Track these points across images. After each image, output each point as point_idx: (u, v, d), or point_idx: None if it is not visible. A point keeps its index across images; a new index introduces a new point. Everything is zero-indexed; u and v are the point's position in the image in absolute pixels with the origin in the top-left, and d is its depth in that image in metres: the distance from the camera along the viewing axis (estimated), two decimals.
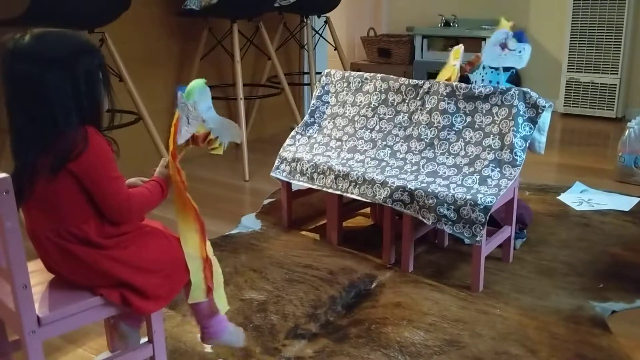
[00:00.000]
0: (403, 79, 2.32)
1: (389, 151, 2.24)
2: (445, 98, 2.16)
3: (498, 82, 2.22)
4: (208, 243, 1.43)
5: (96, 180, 1.24)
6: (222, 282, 1.46)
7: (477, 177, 2.01)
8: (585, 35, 4.38)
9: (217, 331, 1.52)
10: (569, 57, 4.48)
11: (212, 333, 1.52)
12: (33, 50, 1.21)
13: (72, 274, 1.29)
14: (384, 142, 2.28)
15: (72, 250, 1.26)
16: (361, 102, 2.41)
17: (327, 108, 2.51)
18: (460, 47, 2.32)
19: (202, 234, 1.41)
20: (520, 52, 2.09)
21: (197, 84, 1.35)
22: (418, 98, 2.25)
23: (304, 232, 2.48)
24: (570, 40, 4.45)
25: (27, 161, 1.20)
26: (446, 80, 2.28)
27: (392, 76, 2.37)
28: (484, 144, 2.07)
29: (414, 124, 2.24)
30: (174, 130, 1.35)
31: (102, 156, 1.25)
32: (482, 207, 1.88)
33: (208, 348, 1.68)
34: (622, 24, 4.23)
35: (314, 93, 2.58)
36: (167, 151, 1.39)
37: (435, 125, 2.17)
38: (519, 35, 2.12)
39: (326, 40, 4.17)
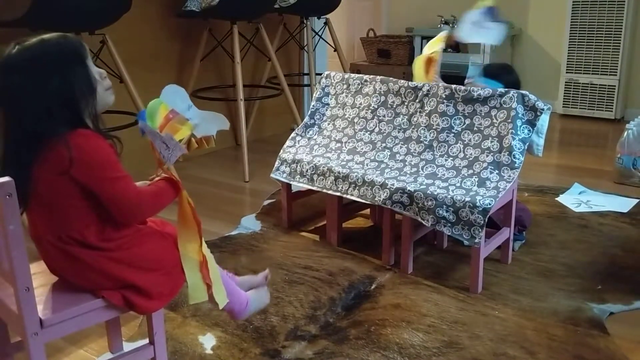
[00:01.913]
0: (402, 81, 2.33)
1: (389, 153, 2.25)
2: (444, 100, 2.17)
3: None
4: (202, 240, 1.44)
5: (99, 182, 1.25)
6: (219, 277, 1.47)
7: (476, 179, 2.02)
8: (585, 36, 4.39)
9: (240, 310, 1.60)
10: (568, 58, 4.49)
11: (238, 313, 1.59)
12: (14, 61, 1.22)
13: (74, 276, 1.30)
14: (384, 144, 2.29)
15: (74, 253, 1.27)
16: (361, 104, 2.42)
17: (326, 110, 2.52)
18: (441, 35, 2.34)
19: (199, 233, 1.43)
20: (494, 29, 2.14)
21: (166, 91, 1.33)
22: (417, 100, 2.26)
23: (303, 233, 2.49)
24: (570, 42, 4.46)
25: (22, 171, 1.19)
26: (426, 65, 2.31)
27: (391, 78, 2.38)
28: (482, 146, 2.08)
29: (413, 126, 2.25)
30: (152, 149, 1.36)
31: (100, 158, 1.24)
32: (480, 209, 1.89)
33: (208, 349, 1.69)
34: (621, 25, 4.24)
35: (314, 95, 2.59)
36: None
37: (434, 127, 2.19)
38: (491, 11, 2.15)
39: (326, 42, 4.18)
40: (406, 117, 2.28)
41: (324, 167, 2.28)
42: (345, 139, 2.39)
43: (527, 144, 2.04)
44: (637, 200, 2.82)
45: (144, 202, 1.30)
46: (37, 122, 1.21)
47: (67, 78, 1.24)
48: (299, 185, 2.40)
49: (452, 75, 4.60)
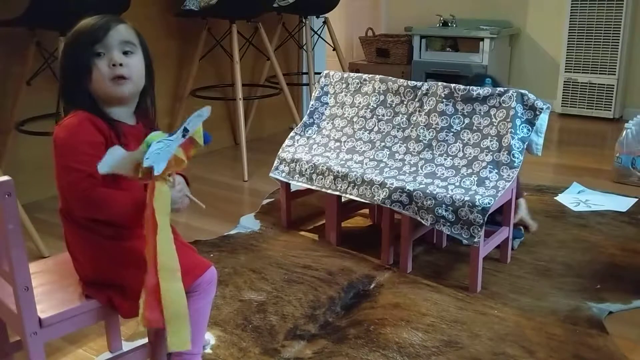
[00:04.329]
0: (401, 80, 2.33)
1: (388, 152, 2.25)
2: (444, 100, 2.17)
3: None
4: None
5: (57, 163, 1.25)
6: (184, 314, 1.22)
7: (475, 178, 2.02)
8: (583, 35, 4.39)
9: None
10: (566, 58, 4.49)
11: None
12: None
13: (72, 255, 1.34)
14: (383, 143, 2.28)
15: (70, 230, 1.31)
16: (360, 103, 2.42)
17: (325, 109, 2.52)
18: None
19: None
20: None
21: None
22: (416, 99, 2.26)
23: (302, 233, 2.49)
24: (568, 41, 4.45)
25: None
26: None
27: (390, 77, 2.37)
28: (482, 145, 2.08)
29: (412, 125, 2.25)
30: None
31: (65, 142, 1.24)
32: (480, 208, 1.89)
33: (207, 348, 1.69)
34: (620, 24, 4.24)
35: (313, 94, 2.59)
36: None
37: (433, 126, 2.18)
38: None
39: (325, 41, 4.17)
40: (405, 116, 2.28)
41: (323, 166, 2.28)
42: (344, 138, 2.39)
43: (526, 143, 2.04)
44: (636, 199, 2.82)
45: (87, 203, 1.23)
46: (60, 97, 1.34)
47: (64, 57, 1.32)
48: (298, 184, 2.40)
49: (451, 75, 4.62)
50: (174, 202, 1.26)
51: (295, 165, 2.38)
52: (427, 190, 1.99)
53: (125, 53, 1.31)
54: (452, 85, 2.18)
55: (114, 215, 1.27)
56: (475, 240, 1.92)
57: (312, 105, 2.55)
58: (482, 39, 4.61)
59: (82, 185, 1.22)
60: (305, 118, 2.54)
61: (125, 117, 1.34)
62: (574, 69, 4.48)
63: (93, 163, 1.22)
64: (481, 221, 1.89)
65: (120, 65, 1.29)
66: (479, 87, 2.14)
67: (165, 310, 1.20)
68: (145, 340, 1.44)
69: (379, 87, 2.37)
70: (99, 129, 1.26)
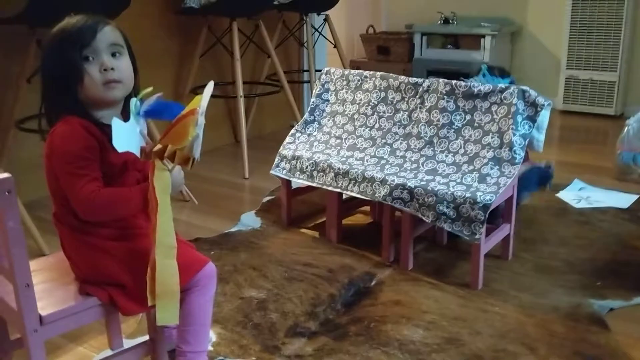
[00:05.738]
0: (402, 77, 2.33)
1: (389, 149, 2.25)
2: (445, 96, 2.17)
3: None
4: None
5: (57, 171, 1.26)
6: (175, 290, 1.24)
7: (477, 175, 2.02)
8: (585, 32, 4.38)
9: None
10: (568, 54, 4.48)
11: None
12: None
13: (69, 258, 1.34)
14: (384, 140, 2.28)
15: (65, 233, 1.31)
16: (361, 100, 2.41)
17: (326, 106, 2.52)
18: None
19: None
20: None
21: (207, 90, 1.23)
22: (417, 96, 2.26)
23: (303, 230, 2.49)
24: (570, 37, 4.45)
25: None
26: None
27: (391, 74, 2.37)
28: (483, 142, 2.07)
29: (413, 122, 2.25)
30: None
31: (63, 149, 1.24)
32: (481, 205, 1.89)
33: (208, 346, 1.69)
34: (621, 21, 4.23)
35: (314, 91, 2.58)
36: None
37: (434, 123, 2.18)
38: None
39: (326, 38, 4.17)
40: (406, 113, 2.28)
41: (323, 163, 2.28)
42: (345, 135, 2.39)
43: (528, 139, 2.03)
44: (638, 196, 2.81)
45: (96, 203, 1.24)
46: (44, 101, 1.29)
47: (50, 62, 1.27)
48: (298, 181, 2.40)
49: (452, 72, 4.61)
50: (176, 184, 1.27)
51: (296, 163, 2.37)
52: (428, 187, 1.99)
53: (113, 55, 1.29)
54: (453, 81, 2.17)
55: (123, 211, 1.29)
56: (477, 237, 1.92)
57: (312, 102, 2.55)
58: (483, 36, 4.60)
59: (88, 188, 1.23)
60: (306, 115, 2.54)
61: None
62: (575, 66, 4.47)
63: (93, 167, 1.25)
64: (482, 218, 1.89)
65: (112, 69, 1.28)
66: (480, 84, 2.13)
67: (158, 285, 1.21)
68: (146, 337, 1.44)
69: (380, 84, 2.37)
70: (92, 133, 1.26)
